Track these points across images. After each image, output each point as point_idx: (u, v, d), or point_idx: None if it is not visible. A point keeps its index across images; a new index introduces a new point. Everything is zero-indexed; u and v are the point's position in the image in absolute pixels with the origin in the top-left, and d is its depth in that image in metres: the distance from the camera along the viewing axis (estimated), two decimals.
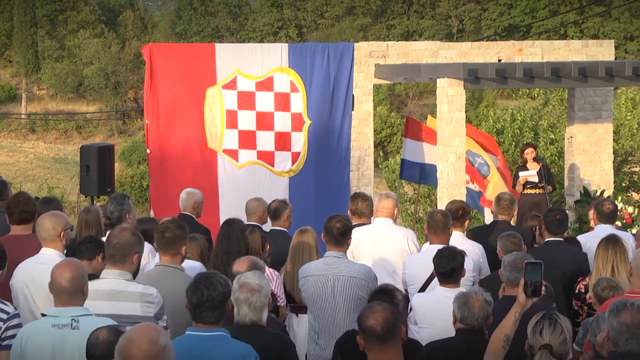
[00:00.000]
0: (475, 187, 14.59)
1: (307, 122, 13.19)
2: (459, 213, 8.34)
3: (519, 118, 23.03)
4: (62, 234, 6.45)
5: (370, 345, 4.69)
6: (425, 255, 7.52)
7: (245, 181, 12.90)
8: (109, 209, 7.70)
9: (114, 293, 5.67)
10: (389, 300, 5.57)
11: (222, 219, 11.23)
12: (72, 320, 5.12)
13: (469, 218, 8.62)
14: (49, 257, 6.31)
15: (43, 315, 5.27)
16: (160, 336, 3.96)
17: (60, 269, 5.26)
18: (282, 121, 13.14)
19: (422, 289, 7.34)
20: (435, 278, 6.90)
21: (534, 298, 5.10)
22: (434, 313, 6.48)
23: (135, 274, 5.83)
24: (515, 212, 9.74)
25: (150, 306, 5.66)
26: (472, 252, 8.02)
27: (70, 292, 5.19)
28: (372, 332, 4.66)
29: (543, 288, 5.14)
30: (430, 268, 6.88)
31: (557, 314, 4.97)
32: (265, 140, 13.06)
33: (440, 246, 7.18)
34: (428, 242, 7.87)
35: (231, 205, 12.43)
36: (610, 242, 7.20)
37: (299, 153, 13.20)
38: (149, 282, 5.98)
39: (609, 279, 6.66)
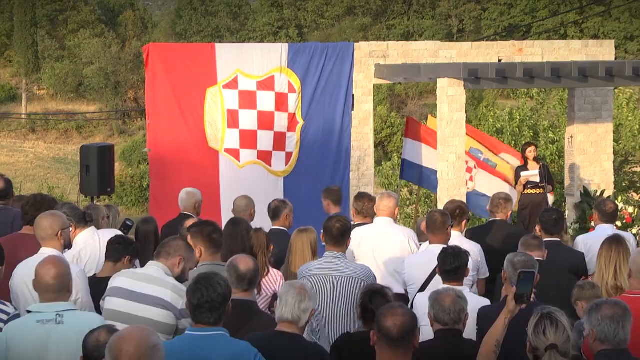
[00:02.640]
0: (472, 187, 14.57)
1: (301, 123, 13.18)
2: (456, 212, 8.39)
3: (518, 117, 23.03)
4: (59, 233, 6.43)
5: (381, 344, 4.67)
6: (425, 255, 7.53)
7: (246, 181, 12.86)
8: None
9: (150, 278, 5.78)
10: (384, 300, 5.58)
11: (224, 218, 11.27)
12: (56, 315, 5.12)
13: (466, 218, 8.67)
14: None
15: (28, 312, 5.25)
16: (151, 335, 3.96)
17: (45, 266, 5.27)
18: (280, 121, 13.13)
19: (422, 288, 7.34)
20: (435, 278, 6.89)
21: (523, 305, 5.20)
22: None
23: (180, 279, 5.86)
24: (510, 210, 9.76)
25: (180, 299, 5.68)
26: (470, 251, 8.02)
27: (55, 290, 5.20)
28: (387, 334, 4.63)
29: (533, 296, 5.24)
30: (429, 268, 6.87)
31: (555, 313, 4.95)
32: (266, 140, 13.05)
33: (438, 246, 7.19)
34: (427, 242, 7.88)
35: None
36: (614, 243, 7.18)
37: (292, 153, 13.20)
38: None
39: (590, 282, 6.70)
